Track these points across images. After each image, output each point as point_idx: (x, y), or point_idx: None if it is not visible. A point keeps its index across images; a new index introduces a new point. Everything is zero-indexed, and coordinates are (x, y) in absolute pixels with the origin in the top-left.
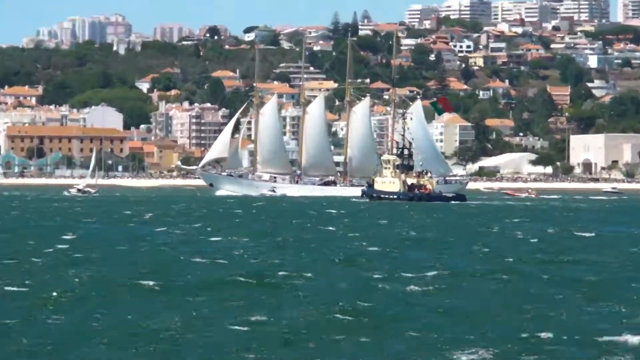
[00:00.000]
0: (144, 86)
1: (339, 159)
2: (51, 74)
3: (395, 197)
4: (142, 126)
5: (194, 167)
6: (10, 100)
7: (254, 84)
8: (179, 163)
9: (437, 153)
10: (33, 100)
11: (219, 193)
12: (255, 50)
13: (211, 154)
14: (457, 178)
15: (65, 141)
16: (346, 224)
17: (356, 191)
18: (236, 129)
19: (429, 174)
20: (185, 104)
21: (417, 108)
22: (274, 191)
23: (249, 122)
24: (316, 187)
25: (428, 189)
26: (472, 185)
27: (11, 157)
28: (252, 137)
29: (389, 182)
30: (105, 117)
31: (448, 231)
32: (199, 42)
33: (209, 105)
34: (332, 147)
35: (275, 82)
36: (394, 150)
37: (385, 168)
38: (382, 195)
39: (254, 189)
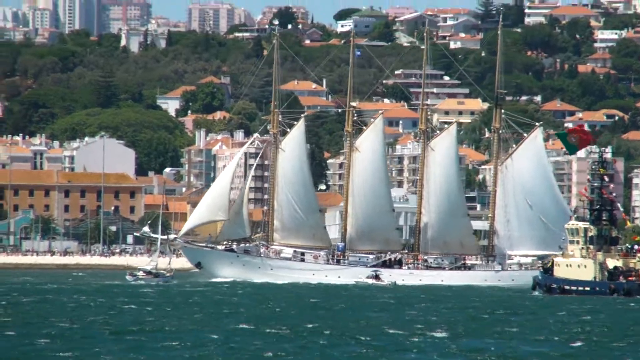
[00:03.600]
0: (170, 105)
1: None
2: (17, 84)
3: (588, 289)
4: (167, 171)
5: (169, 236)
6: None
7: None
8: (145, 228)
9: (567, 216)
10: None
11: (215, 279)
12: (351, 44)
13: (200, 216)
14: None
15: (40, 194)
16: None
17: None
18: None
19: None
20: (239, 135)
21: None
22: (377, 277)
23: (259, 164)
24: (442, 273)
25: None
26: None
27: None
28: (267, 186)
29: (577, 266)
30: (106, 156)
31: None
32: (261, 34)
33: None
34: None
35: (386, 100)
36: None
37: (572, 242)
38: (567, 287)
39: (269, 273)
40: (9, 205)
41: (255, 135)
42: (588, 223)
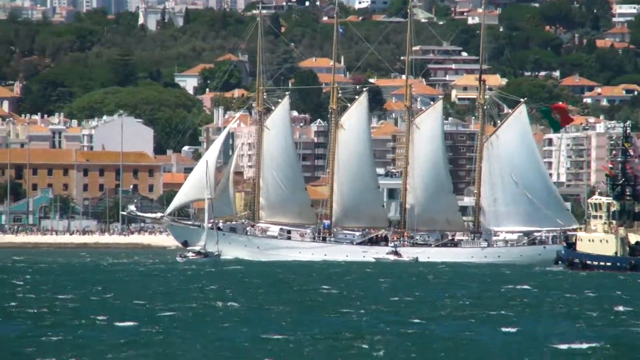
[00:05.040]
0: (188, 83)
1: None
2: (35, 63)
3: (609, 264)
4: (185, 149)
5: (156, 215)
6: None
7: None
8: (132, 207)
9: (552, 192)
10: (4, 107)
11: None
12: (335, 22)
13: (186, 194)
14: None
15: (58, 173)
16: None
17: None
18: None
19: None
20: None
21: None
22: (396, 252)
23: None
24: (428, 250)
25: None
26: None
27: None
28: (253, 165)
29: (599, 241)
30: (125, 135)
31: None
32: (278, 12)
33: (295, 114)
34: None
35: (403, 77)
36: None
37: (595, 217)
38: (589, 262)
39: (256, 250)
40: (28, 185)
41: (238, 114)
42: (611, 198)
